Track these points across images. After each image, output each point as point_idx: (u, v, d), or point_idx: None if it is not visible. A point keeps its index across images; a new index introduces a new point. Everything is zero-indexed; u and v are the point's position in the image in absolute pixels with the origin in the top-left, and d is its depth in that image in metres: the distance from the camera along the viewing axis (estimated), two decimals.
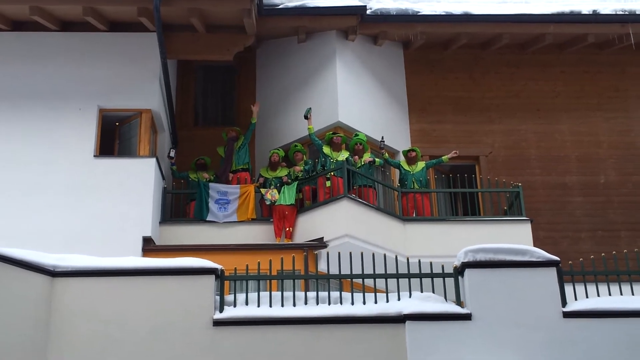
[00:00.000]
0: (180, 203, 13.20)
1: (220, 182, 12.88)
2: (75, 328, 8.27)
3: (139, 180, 11.91)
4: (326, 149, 12.84)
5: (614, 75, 15.15)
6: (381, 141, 13.30)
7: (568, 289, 8.61)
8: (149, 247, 11.46)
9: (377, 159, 12.93)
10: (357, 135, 13.14)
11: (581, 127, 14.76)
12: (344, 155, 12.70)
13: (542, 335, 8.25)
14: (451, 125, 14.62)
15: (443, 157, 13.37)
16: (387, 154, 13.48)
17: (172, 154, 13.12)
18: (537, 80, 15.04)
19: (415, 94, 14.77)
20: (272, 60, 14.80)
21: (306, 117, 13.05)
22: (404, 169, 13.18)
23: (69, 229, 11.38)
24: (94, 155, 12.11)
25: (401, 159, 13.51)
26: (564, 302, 8.46)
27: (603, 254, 9.76)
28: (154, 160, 12.17)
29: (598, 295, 8.70)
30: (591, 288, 8.78)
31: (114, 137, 12.96)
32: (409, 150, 13.37)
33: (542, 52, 15.03)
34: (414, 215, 12.71)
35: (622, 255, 9.64)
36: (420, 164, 13.26)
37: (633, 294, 8.76)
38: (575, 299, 8.63)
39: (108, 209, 11.61)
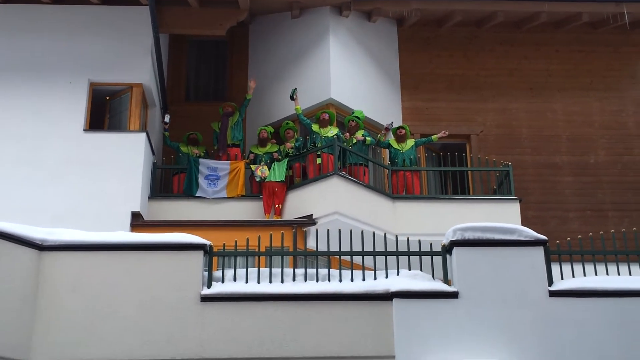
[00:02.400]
0: (170, 178, 13.18)
1: (217, 158, 12.85)
2: (62, 302, 8.28)
3: (128, 155, 11.87)
4: (315, 127, 12.81)
5: (607, 55, 15.13)
6: (389, 124, 13.23)
7: (555, 268, 8.64)
8: (138, 222, 11.46)
9: (368, 138, 12.89)
10: (354, 112, 13.10)
11: (574, 106, 14.76)
12: (332, 131, 12.67)
13: (528, 314, 8.29)
14: (443, 104, 14.61)
15: (432, 137, 13.35)
16: (383, 137, 13.38)
17: (167, 119, 13.10)
18: (531, 59, 15.02)
19: (408, 71, 14.73)
20: (265, 35, 14.72)
21: (292, 98, 13.00)
22: (394, 148, 13.15)
23: (57, 204, 11.36)
24: (84, 130, 12.06)
25: (390, 137, 13.49)
26: (550, 281, 8.49)
27: (591, 233, 9.80)
28: (144, 135, 12.13)
29: (584, 275, 8.74)
30: (578, 268, 8.81)
31: (105, 111, 12.90)
32: (397, 128, 13.34)
33: (536, 30, 14.99)
34: (404, 193, 12.71)
35: (610, 236, 9.69)
36: (410, 142, 13.23)
37: (619, 274, 8.80)
38: (562, 279, 8.67)
39: (97, 184, 11.58)
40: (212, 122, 13.42)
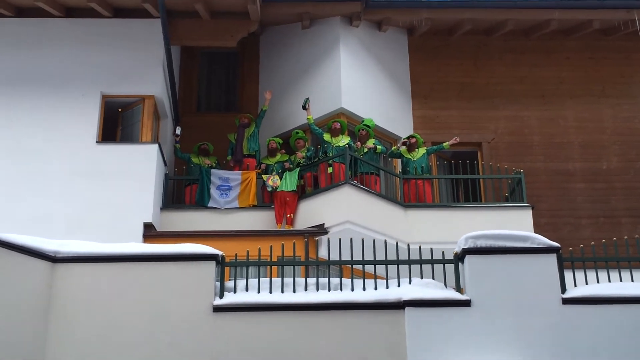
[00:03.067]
0: (182, 189, 13.22)
1: (229, 168, 12.89)
2: (75, 314, 8.30)
3: (141, 166, 11.93)
4: (326, 136, 12.83)
5: (619, 62, 15.07)
6: (406, 140, 13.23)
7: (568, 275, 8.62)
8: (150, 233, 11.51)
9: (379, 146, 12.91)
10: (364, 120, 13.11)
11: (585, 113, 14.71)
12: (344, 140, 12.69)
13: (541, 322, 8.25)
14: (454, 112, 14.60)
15: (444, 144, 13.34)
16: (401, 149, 13.43)
17: (178, 131, 13.17)
18: (542, 67, 14.98)
19: (418, 80, 14.74)
20: (276, 46, 14.78)
21: (304, 108, 13.04)
22: (405, 157, 13.15)
23: (70, 215, 11.43)
24: (97, 141, 12.15)
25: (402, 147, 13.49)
26: (563, 289, 8.46)
27: (604, 240, 9.74)
28: (156, 146, 12.19)
29: (597, 282, 8.70)
30: (591, 275, 8.78)
31: (117, 123, 12.99)
32: (408, 137, 13.34)
33: (547, 38, 14.97)
34: (416, 201, 12.69)
35: (623, 242, 9.63)
36: (421, 151, 13.23)
37: (632, 281, 8.75)
38: (575, 286, 8.63)
39: (110, 195, 11.64)
40: (228, 133, 13.47)
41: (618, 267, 8.85)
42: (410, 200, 12.68)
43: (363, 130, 12.92)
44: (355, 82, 13.72)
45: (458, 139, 13.38)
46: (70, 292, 8.41)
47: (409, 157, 13.12)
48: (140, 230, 11.42)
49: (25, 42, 12.64)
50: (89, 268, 8.54)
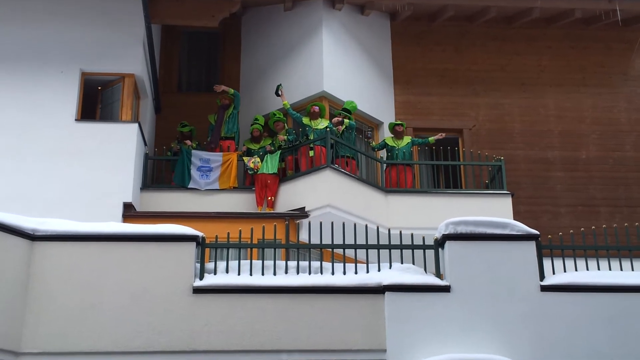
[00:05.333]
0: (162, 169, 13.12)
1: (209, 149, 12.82)
2: (53, 293, 8.22)
3: (120, 145, 11.83)
4: (305, 120, 12.78)
5: (599, 51, 15.18)
6: (367, 132, 13.21)
7: (546, 263, 8.67)
8: (130, 213, 11.42)
9: (346, 120, 12.68)
10: (345, 102, 13.03)
11: (565, 102, 14.80)
12: (323, 123, 12.65)
13: (520, 308, 8.31)
14: (436, 98, 14.63)
15: (430, 138, 13.31)
16: (373, 142, 13.45)
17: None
18: (523, 55, 15.05)
19: (400, 65, 14.73)
20: (258, 27, 14.67)
21: (277, 94, 12.97)
22: (390, 145, 13.15)
23: (49, 194, 11.30)
24: (76, 119, 12.00)
25: (385, 134, 13.45)
26: (542, 276, 8.52)
27: (582, 228, 9.83)
28: (136, 125, 12.07)
29: (576, 270, 8.77)
30: (569, 263, 8.84)
31: (96, 101, 12.83)
32: (396, 124, 13.33)
33: (528, 26, 15.02)
34: (397, 187, 12.70)
35: (601, 231, 9.72)
36: (407, 139, 13.23)
37: (610, 269, 8.82)
38: (554, 273, 8.69)
39: (89, 174, 11.53)
40: (209, 115, 13.37)
41: (596, 255, 8.93)
42: (391, 185, 12.69)
43: (340, 116, 12.81)
44: (337, 65, 13.68)
45: (444, 135, 13.38)
46: (48, 270, 8.32)
47: (394, 144, 13.11)
48: (119, 210, 11.34)
49: (4, 18, 12.41)
50: (68, 247, 8.45)
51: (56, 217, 9.22)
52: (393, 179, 12.75)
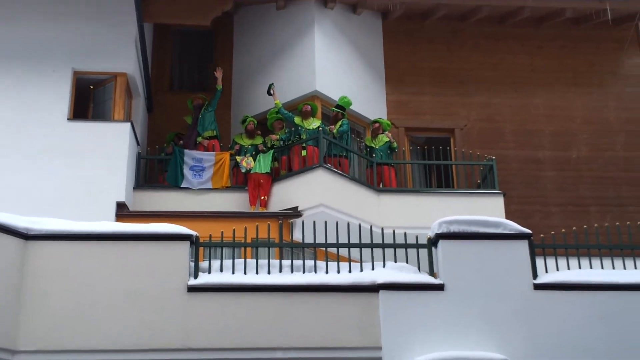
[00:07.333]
0: (155, 168, 13.11)
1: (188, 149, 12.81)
2: (48, 291, 8.20)
3: (113, 144, 11.80)
4: (297, 119, 12.78)
5: (590, 51, 15.25)
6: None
7: (539, 261, 8.72)
8: (123, 212, 11.39)
9: (337, 126, 12.62)
10: (339, 99, 13.01)
11: (556, 101, 14.86)
12: (315, 123, 12.66)
13: (513, 307, 8.36)
14: (427, 97, 14.65)
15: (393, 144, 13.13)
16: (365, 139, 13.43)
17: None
18: (515, 54, 15.10)
19: (392, 64, 14.75)
20: (250, 26, 14.67)
21: (269, 93, 12.96)
22: (367, 145, 13.13)
23: (41, 193, 11.26)
24: (68, 118, 11.97)
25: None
26: (534, 275, 8.57)
27: (574, 228, 9.90)
28: (128, 125, 12.05)
29: (568, 268, 8.83)
30: (562, 261, 8.90)
31: (88, 100, 12.81)
32: (373, 122, 13.33)
33: (520, 25, 15.06)
34: (381, 186, 12.70)
35: (592, 230, 9.79)
36: (384, 138, 13.14)
37: (602, 268, 8.90)
38: (546, 272, 8.74)
39: (81, 173, 11.49)
40: (185, 116, 13.36)
41: (588, 254, 8.99)
42: (375, 184, 12.69)
43: (334, 112, 12.83)
44: (330, 64, 13.69)
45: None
46: (42, 269, 8.31)
47: (372, 144, 13.08)
48: (112, 210, 11.31)
49: None
50: (62, 246, 8.44)
51: (49, 216, 9.20)
52: (377, 178, 12.70)
